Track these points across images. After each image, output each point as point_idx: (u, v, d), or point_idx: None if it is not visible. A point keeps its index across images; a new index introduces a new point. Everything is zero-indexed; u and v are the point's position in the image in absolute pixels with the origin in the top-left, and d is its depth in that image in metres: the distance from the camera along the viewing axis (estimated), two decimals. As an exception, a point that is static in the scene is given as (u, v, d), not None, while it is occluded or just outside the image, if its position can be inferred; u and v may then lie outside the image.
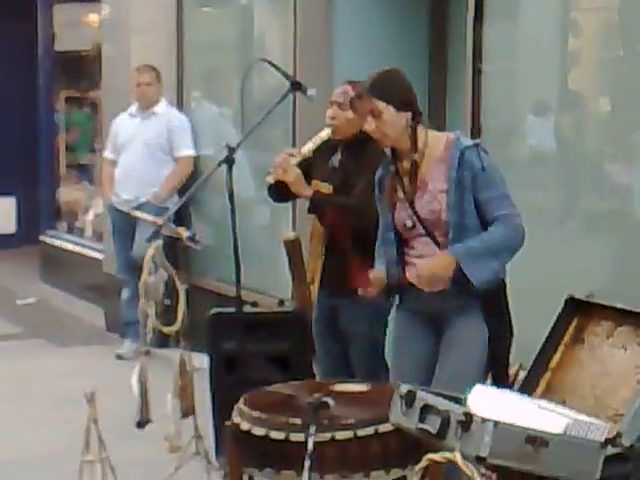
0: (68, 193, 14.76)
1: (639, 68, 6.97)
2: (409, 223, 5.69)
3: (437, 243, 5.62)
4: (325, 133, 6.62)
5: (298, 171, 6.53)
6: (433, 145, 5.67)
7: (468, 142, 5.64)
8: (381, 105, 5.59)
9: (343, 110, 6.64)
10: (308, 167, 6.68)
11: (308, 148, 6.61)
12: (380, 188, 5.86)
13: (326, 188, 6.74)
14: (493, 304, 5.51)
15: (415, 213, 5.66)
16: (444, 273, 5.41)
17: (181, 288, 6.89)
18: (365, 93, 5.68)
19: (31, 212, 15.77)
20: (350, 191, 6.55)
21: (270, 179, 6.63)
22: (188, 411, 6.60)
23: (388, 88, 5.68)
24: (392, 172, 5.74)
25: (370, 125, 5.65)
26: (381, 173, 5.84)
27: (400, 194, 5.72)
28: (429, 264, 5.48)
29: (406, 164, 5.68)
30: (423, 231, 5.68)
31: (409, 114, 5.60)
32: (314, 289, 6.86)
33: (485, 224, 5.52)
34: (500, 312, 5.53)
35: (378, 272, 5.89)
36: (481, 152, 5.57)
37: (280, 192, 6.78)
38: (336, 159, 6.76)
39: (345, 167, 6.72)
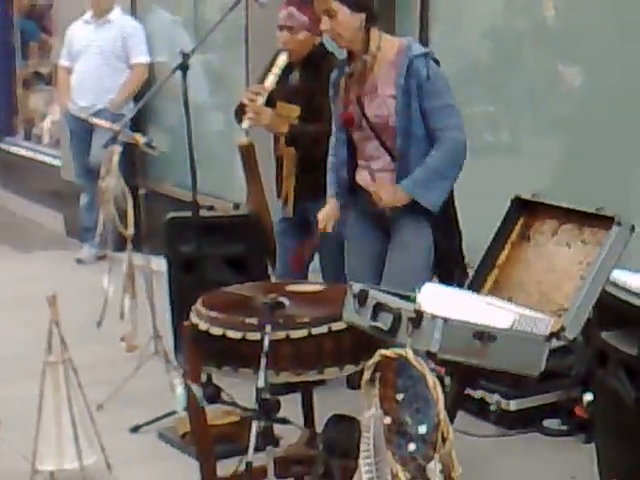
0: (26, 101, 14.66)
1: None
2: (357, 123, 5.72)
3: (386, 148, 5.65)
4: (282, 60, 6.57)
5: (270, 111, 6.52)
6: (386, 49, 5.65)
7: (418, 50, 5.62)
8: (336, 5, 5.55)
9: (294, 34, 6.62)
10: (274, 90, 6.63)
11: (271, 81, 6.54)
12: (335, 89, 5.88)
13: (294, 110, 6.70)
14: (440, 209, 5.58)
15: (364, 114, 5.69)
16: (399, 203, 5.50)
17: (127, 194, 6.84)
18: None
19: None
20: (318, 112, 6.49)
21: (245, 125, 6.57)
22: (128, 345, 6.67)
23: None
24: (346, 73, 5.74)
25: (325, 25, 5.63)
26: (336, 74, 5.85)
27: (352, 95, 5.73)
28: (385, 199, 5.52)
29: (359, 66, 5.67)
30: (372, 134, 5.70)
31: (363, 15, 5.57)
32: (290, 203, 6.84)
33: (429, 133, 5.56)
34: (447, 216, 5.59)
35: (327, 209, 5.94)
36: (430, 61, 5.56)
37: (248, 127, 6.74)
38: (295, 78, 6.73)
39: (307, 87, 6.70)
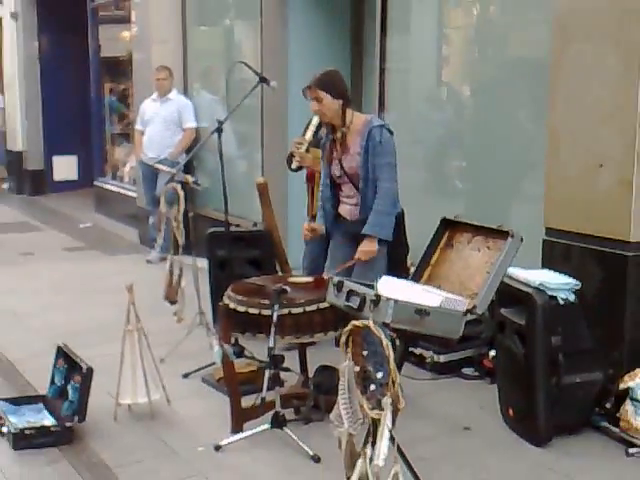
0: (112, 153, 14.65)
1: (488, 67, 6.99)
2: (337, 173, 5.78)
3: (356, 187, 5.70)
4: (315, 120, 6.61)
5: (310, 156, 6.52)
6: (356, 122, 5.68)
7: (377, 123, 5.66)
8: (322, 94, 5.63)
9: (318, 105, 6.61)
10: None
11: (309, 135, 6.59)
12: (323, 150, 5.91)
13: (318, 153, 6.74)
14: (395, 228, 5.57)
15: (342, 167, 5.74)
16: (373, 248, 5.51)
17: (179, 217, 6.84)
18: (312, 84, 5.69)
19: (88, 165, 15.61)
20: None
21: (294, 166, 6.58)
22: (171, 296, 6.65)
23: (328, 82, 5.68)
24: (330, 139, 5.78)
25: (315, 107, 5.70)
26: (324, 140, 5.87)
27: (334, 154, 5.77)
28: (365, 250, 5.52)
29: (338, 135, 5.72)
30: (347, 179, 5.74)
31: (341, 101, 5.62)
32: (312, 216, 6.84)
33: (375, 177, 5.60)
34: (396, 237, 5.59)
35: (314, 225, 5.96)
36: (383, 131, 5.58)
37: (296, 168, 6.76)
38: (320, 134, 6.76)
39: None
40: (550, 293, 5.01)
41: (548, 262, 5.58)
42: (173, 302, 6.63)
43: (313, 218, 6.89)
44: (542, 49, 5.92)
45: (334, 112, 5.66)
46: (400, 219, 5.68)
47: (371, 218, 5.54)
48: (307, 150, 6.74)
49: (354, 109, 5.78)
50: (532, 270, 5.29)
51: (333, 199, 5.89)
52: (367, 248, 5.53)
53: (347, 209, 5.82)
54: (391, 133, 5.65)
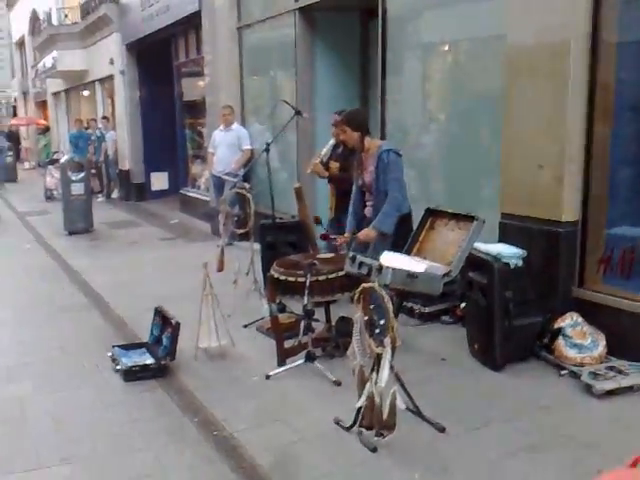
0: (192, 169, 14.71)
1: (460, 98, 6.93)
2: (360, 184, 5.80)
3: (371, 195, 5.71)
4: (332, 141, 6.80)
5: (322, 167, 6.92)
6: (371, 147, 5.64)
7: (386, 147, 5.62)
8: (345, 127, 5.67)
9: (336, 128, 6.73)
10: (326, 160, 6.95)
11: (324, 152, 6.82)
12: (354, 167, 5.90)
13: (335, 166, 6.89)
14: (403, 224, 5.54)
15: (363, 180, 5.74)
16: (371, 235, 5.50)
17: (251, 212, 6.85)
18: (340, 120, 5.87)
19: (175, 178, 15.69)
20: (347, 168, 6.56)
21: (308, 171, 6.90)
22: (220, 268, 6.57)
23: (350, 118, 5.70)
24: (357, 160, 5.77)
25: (341, 136, 5.86)
26: (355, 159, 5.84)
27: (360, 171, 5.78)
28: (365, 233, 5.53)
29: (361, 156, 5.72)
30: (367, 189, 5.76)
31: (359, 132, 5.61)
32: (331, 213, 7.07)
33: (386, 189, 5.54)
34: (401, 227, 5.51)
35: (344, 237, 5.85)
36: (390, 153, 5.53)
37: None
38: (338, 151, 6.85)
39: (344, 155, 6.74)
40: (504, 260, 4.98)
41: (503, 238, 5.54)
42: (220, 270, 6.55)
43: (333, 211, 6.96)
44: (498, 83, 5.86)
45: (354, 140, 5.67)
46: (407, 218, 5.62)
47: (378, 216, 5.51)
48: (326, 163, 6.79)
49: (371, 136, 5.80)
50: (491, 244, 5.26)
51: (360, 202, 5.88)
52: (366, 232, 5.53)
53: (368, 210, 5.81)
54: (398, 155, 5.60)
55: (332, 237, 5.88)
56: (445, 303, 6.11)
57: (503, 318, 4.91)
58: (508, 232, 5.54)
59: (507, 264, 4.96)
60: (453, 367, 5.10)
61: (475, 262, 5.06)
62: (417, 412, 4.07)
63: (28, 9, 27.75)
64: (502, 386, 4.70)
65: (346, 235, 5.85)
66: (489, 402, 4.44)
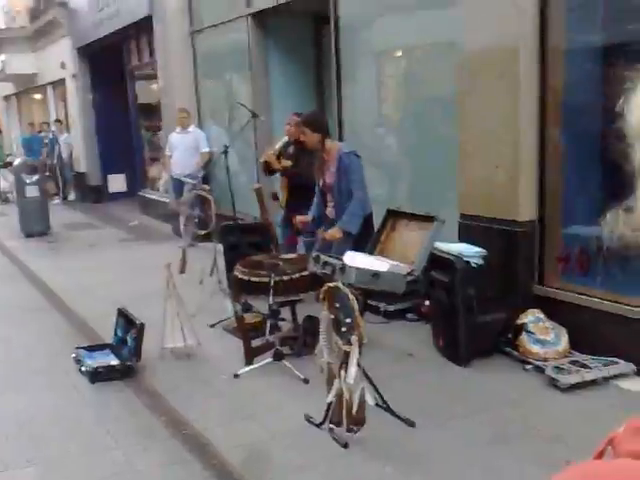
0: (150, 171, 14.58)
1: (413, 102, 7.01)
2: (322, 185, 5.80)
3: (332, 196, 5.72)
4: (285, 138, 6.76)
5: (274, 157, 6.78)
6: (331, 149, 5.68)
7: (345, 150, 5.69)
8: (305, 129, 5.70)
9: (291, 127, 6.77)
10: (280, 154, 6.82)
11: (278, 146, 6.81)
12: (315, 167, 5.89)
13: (287, 163, 6.85)
14: (364, 224, 5.55)
15: (324, 181, 5.76)
16: (338, 235, 5.48)
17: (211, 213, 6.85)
18: (301, 122, 5.86)
19: (133, 180, 15.51)
20: (299, 165, 6.63)
21: (261, 159, 6.86)
22: (182, 269, 6.60)
23: (311, 121, 5.75)
24: (318, 161, 5.77)
25: (302, 138, 5.84)
26: (317, 161, 5.84)
27: (320, 172, 5.79)
28: (331, 234, 5.52)
29: (321, 157, 5.74)
30: (328, 190, 5.77)
31: (320, 134, 5.64)
32: (283, 207, 7.04)
33: (348, 190, 5.56)
34: (364, 227, 5.56)
35: (304, 217, 5.95)
36: (351, 156, 5.59)
37: (266, 169, 6.91)
38: (290, 149, 6.83)
39: (296, 153, 6.74)
40: (466, 259, 5.05)
41: (463, 237, 5.62)
42: (182, 272, 6.55)
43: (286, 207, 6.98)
44: (451, 87, 5.95)
45: (314, 142, 5.69)
46: (368, 218, 5.64)
47: (344, 215, 5.52)
48: (277, 157, 6.81)
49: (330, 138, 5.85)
50: (452, 243, 5.33)
51: (322, 203, 5.89)
52: (333, 232, 5.52)
53: (329, 210, 5.82)
54: (358, 157, 5.65)
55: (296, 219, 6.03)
56: (409, 301, 6.13)
57: (466, 315, 4.98)
58: (468, 232, 5.61)
59: (468, 263, 5.04)
60: (420, 363, 5.16)
61: (437, 261, 5.11)
62: (386, 408, 4.11)
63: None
64: (468, 381, 4.77)
65: (309, 217, 5.94)
66: (456, 397, 4.52)
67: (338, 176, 5.62)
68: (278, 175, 7.15)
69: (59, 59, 16.84)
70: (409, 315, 6.17)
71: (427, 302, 5.76)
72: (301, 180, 6.57)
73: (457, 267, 4.99)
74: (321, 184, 5.85)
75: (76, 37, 15.72)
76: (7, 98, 25.24)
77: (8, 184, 16.30)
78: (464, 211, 5.74)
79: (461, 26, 5.65)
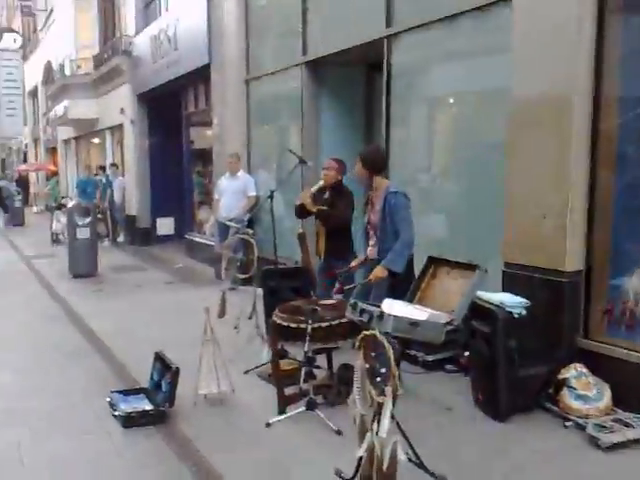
0: (198, 214, 14.69)
1: (462, 147, 6.90)
2: (367, 221, 5.78)
3: (375, 234, 5.67)
4: (321, 182, 6.62)
5: (310, 200, 6.58)
6: (379, 187, 5.64)
7: (392, 189, 5.61)
8: (359, 162, 5.66)
9: (328, 172, 6.65)
10: (314, 198, 6.63)
11: (314, 189, 6.63)
12: (365, 203, 5.88)
13: (322, 207, 6.70)
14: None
15: (369, 219, 5.73)
16: (382, 275, 5.41)
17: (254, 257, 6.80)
18: (358, 154, 5.78)
19: (181, 224, 15.71)
20: (334, 210, 6.54)
21: (297, 202, 6.70)
22: (222, 314, 6.41)
23: (364, 155, 5.71)
24: (366, 197, 5.76)
25: (354, 172, 5.78)
26: (364, 198, 5.83)
27: (369, 209, 5.76)
28: (375, 274, 5.45)
29: (369, 194, 5.71)
30: (372, 228, 5.71)
31: (368, 172, 5.62)
32: (321, 256, 6.78)
33: (394, 229, 5.49)
34: (406, 269, 5.46)
35: (357, 260, 5.91)
36: (397, 195, 5.53)
37: (300, 211, 6.75)
38: (326, 194, 6.70)
39: (331, 198, 6.65)
40: (508, 309, 4.87)
41: (506, 287, 5.44)
42: (222, 317, 6.41)
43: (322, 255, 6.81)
44: (501, 134, 5.83)
45: (361, 177, 5.68)
46: (409, 261, 5.55)
47: (389, 254, 5.44)
48: (313, 201, 6.70)
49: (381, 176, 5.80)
50: (494, 293, 5.15)
51: (366, 241, 5.84)
52: (378, 273, 5.43)
53: (370, 250, 5.76)
54: (406, 197, 5.59)
55: (340, 271, 5.92)
56: (448, 352, 5.94)
57: (507, 368, 4.77)
58: (511, 281, 5.44)
59: (511, 313, 4.85)
60: (457, 417, 4.96)
61: (478, 311, 4.95)
62: (419, 463, 3.92)
63: (43, 60, 28.15)
64: (506, 437, 4.56)
65: (361, 258, 5.86)
66: (493, 453, 4.30)
67: (382, 215, 5.55)
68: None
69: (119, 105, 17.27)
70: (448, 366, 5.98)
71: (466, 353, 5.56)
72: (337, 222, 6.51)
73: (499, 317, 4.81)
74: (366, 221, 5.78)
75: (136, 84, 16.16)
76: (66, 142, 25.95)
77: (61, 225, 16.58)
78: (508, 260, 5.57)
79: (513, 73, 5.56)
